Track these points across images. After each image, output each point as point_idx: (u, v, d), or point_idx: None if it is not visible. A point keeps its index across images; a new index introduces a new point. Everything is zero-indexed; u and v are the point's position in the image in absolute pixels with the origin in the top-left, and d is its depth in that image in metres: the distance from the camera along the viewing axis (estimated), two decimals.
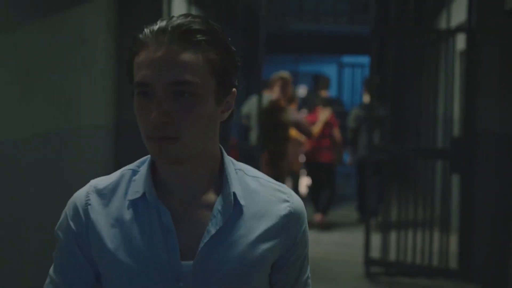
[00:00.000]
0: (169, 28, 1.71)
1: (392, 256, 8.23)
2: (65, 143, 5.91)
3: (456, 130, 8.82)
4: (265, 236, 1.83)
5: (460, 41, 8.56)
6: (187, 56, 1.70)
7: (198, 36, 1.72)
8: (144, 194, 1.79)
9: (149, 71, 1.70)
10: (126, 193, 1.83)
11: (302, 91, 16.53)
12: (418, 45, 8.41)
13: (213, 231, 1.77)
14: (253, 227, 1.82)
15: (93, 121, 6.43)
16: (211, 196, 1.82)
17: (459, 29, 8.25)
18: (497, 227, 7.69)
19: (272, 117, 8.98)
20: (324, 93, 12.01)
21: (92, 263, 1.82)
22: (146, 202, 1.79)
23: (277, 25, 13.34)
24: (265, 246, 1.83)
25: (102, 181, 1.86)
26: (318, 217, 10.43)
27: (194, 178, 1.81)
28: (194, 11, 8.62)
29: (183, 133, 1.70)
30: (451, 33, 8.30)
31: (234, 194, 1.81)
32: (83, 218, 1.81)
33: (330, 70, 22.71)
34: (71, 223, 1.83)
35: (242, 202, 1.82)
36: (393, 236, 8.42)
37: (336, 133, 10.50)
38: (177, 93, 1.69)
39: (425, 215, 8.35)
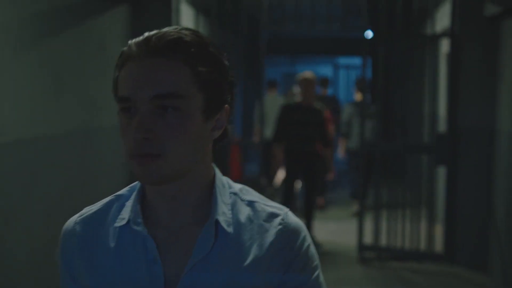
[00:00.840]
0: (153, 39, 1.58)
1: (383, 241, 8.66)
2: (90, 140, 6.48)
3: (441, 127, 9.19)
4: (255, 264, 1.68)
5: (444, 45, 8.91)
6: (171, 69, 1.57)
7: (185, 48, 1.59)
8: (129, 221, 1.68)
9: (131, 85, 1.57)
10: (114, 220, 1.71)
11: (296, 90, 17.06)
12: (406, 48, 8.77)
13: (195, 260, 1.64)
14: (242, 255, 1.67)
15: (113, 121, 6.91)
16: (200, 222, 1.68)
17: (444, 34, 8.65)
18: (478, 215, 8.14)
19: (290, 114, 8.97)
20: (324, 92, 13.10)
21: None
22: (131, 230, 1.67)
23: (275, 29, 13.64)
24: (255, 274, 1.68)
25: (92, 208, 1.76)
26: (320, 201, 11.23)
27: (182, 202, 1.67)
28: (201, 20, 9.17)
29: (166, 150, 1.56)
30: (436, 37, 8.81)
31: (218, 221, 1.66)
32: (71, 247, 1.73)
33: (325, 71, 22.88)
34: (62, 252, 1.75)
35: (229, 229, 1.67)
36: (384, 223, 8.81)
37: (330, 130, 11.01)
38: (160, 108, 1.56)
39: (413, 204, 8.76)
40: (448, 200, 8.49)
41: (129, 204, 1.70)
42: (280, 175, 13.48)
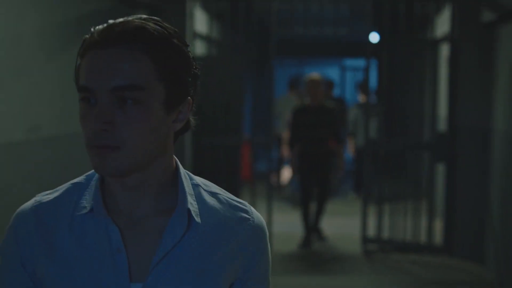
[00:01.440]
0: (115, 28, 1.53)
1: (386, 234, 8.93)
2: None
3: (441, 126, 9.42)
4: (222, 256, 1.65)
5: (444, 49, 9.20)
6: (132, 60, 1.52)
7: (147, 38, 1.53)
8: (91, 209, 1.61)
9: (91, 75, 1.53)
10: (74, 208, 1.64)
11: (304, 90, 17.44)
12: (409, 52, 9.04)
13: (165, 250, 1.59)
14: (209, 246, 1.64)
15: None
16: (164, 213, 1.63)
17: (444, 38, 8.96)
18: (475, 210, 8.43)
19: (301, 117, 9.03)
20: (329, 94, 13.61)
21: (37, 284, 1.65)
22: (94, 219, 1.61)
23: (284, 32, 13.79)
24: (222, 266, 1.65)
25: (47, 196, 1.68)
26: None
27: (143, 192, 1.62)
28: (214, 25, 9.56)
29: (125, 142, 1.52)
30: (436, 42, 9.14)
31: (189, 211, 1.62)
32: (27, 232, 1.63)
33: (332, 72, 22.88)
34: (16, 241, 1.64)
35: (197, 219, 1.63)
36: (386, 217, 9.04)
37: None
38: (120, 100, 1.52)
39: (414, 199, 9.04)
40: (447, 195, 8.76)
41: (88, 192, 1.64)
42: (286, 174, 13.86)
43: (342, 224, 10.40)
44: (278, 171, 13.37)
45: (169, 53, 1.55)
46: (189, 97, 1.60)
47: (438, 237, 9.03)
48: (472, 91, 8.43)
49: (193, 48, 8.69)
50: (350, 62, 23.36)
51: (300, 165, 9.08)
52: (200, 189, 1.68)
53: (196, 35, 8.93)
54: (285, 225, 10.18)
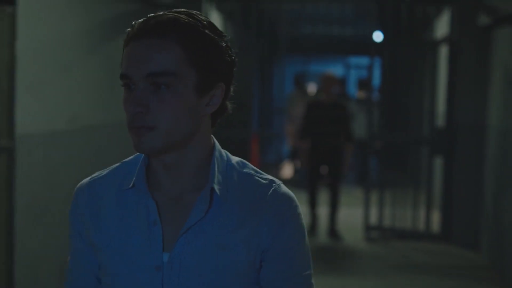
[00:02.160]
0: (150, 22, 1.65)
1: (387, 223, 9.27)
2: None
3: (439, 122, 9.70)
4: (247, 233, 1.71)
5: (444, 50, 9.48)
6: (164, 49, 1.63)
7: (178, 29, 1.64)
8: (134, 185, 1.74)
9: (129, 64, 1.65)
10: (121, 183, 1.77)
11: (311, 88, 17.61)
12: (410, 52, 9.36)
13: (189, 224, 1.69)
14: (234, 223, 1.71)
15: None
16: (198, 190, 1.72)
17: (443, 40, 9.29)
18: (471, 200, 8.71)
19: (314, 112, 9.15)
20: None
21: (93, 252, 1.80)
22: (136, 194, 1.74)
23: (291, 30, 13.87)
24: (245, 242, 1.71)
25: (101, 172, 1.83)
26: None
27: (181, 170, 1.72)
28: (229, 25, 9.96)
29: (159, 123, 1.63)
30: (436, 43, 9.43)
31: (213, 189, 1.70)
32: (81, 205, 1.79)
33: (337, 70, 22.47)
34: (73, 209, 1.81)
35: (223, 197, 1.71)
36: (388, 206, 9.36)
37: None
38: (154, 85, 1.63)
39: (414, 190, 9.36)
40: (445, 187, 9.05)
41: (134, 170, 1.75)
42: (288, 168, 14.26)
43: (346, 213, 10.47)
44: (291, 160, 13.71)
45: (199, 42, 1.64)
46: (222, 83, 1.70)
47: (436, 225, 9.31)
48: (469, 89, 8.69)
49: None
50: (354, 60, 23.52)
51: (310, 158, 9.18)
52: (233, 169, 1.75)
53: None
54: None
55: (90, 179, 1.82)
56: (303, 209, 9.85)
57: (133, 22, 1.68)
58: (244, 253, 1.71)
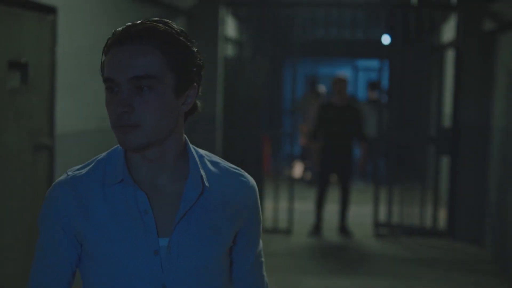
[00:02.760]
0: (131, 30, 1.77)
1: (395, 220, 9.46)
2: None
3: (446, 122, 9.89)
4: (229, 213, 1.90)
5: (450, 53, 9.67)
6: (146, 54, 1.75)
7: (157, 36, 1.77)
8: (121, 180, 1.83)
9: (113, 68, 1.75)
10: (103, 178, 1.86)
11: (321, 90, 17.74)
12: (418, 55, 9.53)
13: (184, 209, 1.83)
14: (218, 206, 1.89)
15: None
16: (179, 180, 1.87)
17: (449, 44, 9.47)
18: (476, 197, 8.88)
19: (326, 113, 9.20)
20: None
21: (76, 245, 1.86)
22: (123, 188, 1.84)
23: (302, 34, 13.98)
24: (230, 221, 1.91)
25: (78, 171, 1.90)
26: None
27: (161, 164, 1.85)
28: (244, 30, 10.20)
29: (143, 121, 1.75)
30: (443, 47, 9.63)
31: (201, 177, 1.87)
32: (66, 199, 1.85)
33: (345, 72, 22.32)
34: (56, 209, 1.85)
35: (207, 184, 1.87)
36: (396, 204, 9.53)
37: None
38: (138, 87, 1.74)
39: (421, 188, 9.47)
40: (450, 185, 9.20)
41: (115, 166, 1.86)
42: (298, 168, 14.47)
43: (355, 211, 10.67)
44: (301, 160, 13.92)
45: (176, 48, 1.79)
46: (194, 84, 1.85)
47: (442, 222, 9.50)
48: (474, 91, 8.86)
49: (223, 50, 9.46)
50: (362, 62, 23.55)
51: (322, 158, 9.26)
52: (204, 159, 1.93)
53: (227, 39, 9.65)
54: (304, 214, 10.57)
55: (68, 177, 1.89)
56: (311, 208, 10.21)
57: (113, 31, 1.81)
58: (229, 233, 1.92)
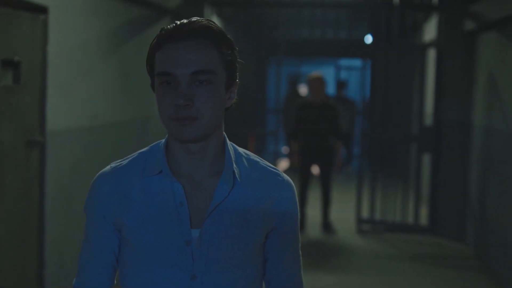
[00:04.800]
0: (186, 28, 1.82)
1: (378, 216, 9.55)
2: (145, 127, 7.67)
3: (427, 120, 9.93)
4: (261, 209, 1.94)
5: (431, 53, 9.76)
6: (203, 50, 1.82)
7: (212, 33, 1.84)
8: (160, 171, 1.90)
9: (171, 63, 1.80)
10: (143, 170, 1.93)
11: (303, 89, 17.83)
12: (400, 55, 9.61)
13: (216, 203, 1.88)
14: (251, 201, 1.93)
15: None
16: (216, 174, 1.92)
17: (431, 44, 9.58)
18: (457, 194, 8.96)
19: (304, 113, 9.15)
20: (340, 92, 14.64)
21: (116, 232, 1.95)
22: (161, 179, 1.90)
23: (288, 33, 13.99)
24: (261, 217, 1.94)
25: (120, 163, 1.98)
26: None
27: (202, 157, 1.91)
28: (229, 30, 10.26)
29: (202, 114, 1.81)
30: (424, 46, 9.68)
31: (233, 173, 1.92)
32: (108, 188, 1.94)
33: (328, 71, 23.04)
34: (98, 198, 1.95)
35: (242, 179, 1.93)
36: (379, 201, 9.64)
37: None
38: (197, 82, 1.81)
39: (403, 184, 9.62)
40: (432, 182, 9.30)
41: (155, 158, 1.93)
42: (283, 164, 14.52)
43: (338, 208, 10.62)
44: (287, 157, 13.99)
45: (227, 46, 1.88)
46: (237, 80, 1.95)
47: (424, 219, 9.60)
48: (455, 90, 8.93)
49: None
50: (344, 62, 23.61)
51: (301, 157, 9.22)
52: (242, 157, 1.98)
53: None
54: None
55: (111, 168, 1.97)
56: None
57: (163, 27, 1.86)
58: (261, 229, 1.95)
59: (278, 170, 2.03)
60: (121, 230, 1.93)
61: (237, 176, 1.92)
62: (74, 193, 5.80)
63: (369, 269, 7.76)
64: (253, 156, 2.02)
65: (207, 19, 1.88)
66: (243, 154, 2.00)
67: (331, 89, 21.64)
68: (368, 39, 12.12)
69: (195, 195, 1.90)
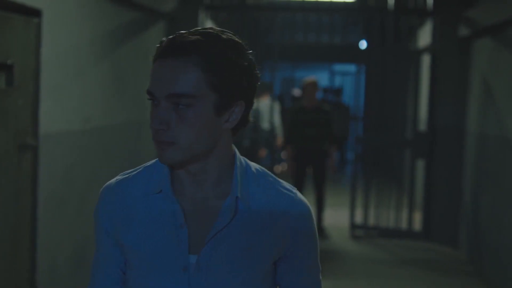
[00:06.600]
0: (176, 42, 1.69)
1: (372, 222, 9.58)
2: (139, 131, 7.66)
3: (421, 126, 9.92)
4: (269, 236, 1.80)
5: (426, 58, 9.79)
6: (186, 71, 1.68)
7: (201, 51, 1.68)
8: (161, 191, 1.80)
9: (153, 82, 1.71)
10: (147, 187, 1.84)
11: (297, 92, 17.89)
12: (395, 60, 9.66)
13: (217, 229, 1.76)
14: (257, 227, 1.79)
15: None
16: (222, 196, 1.79)
17: (425, 49, 9.63)
18: (451, 200, 9.01)
19: (298, 117, 9.20)
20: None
21: (119, 246, 1.86)
22: (163, 199, 1.80)
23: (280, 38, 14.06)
24: (268, 245, 1.80)
25: (127, 175, 1.89)
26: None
27: (204, 178, 1.79)
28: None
29: (178, 139, 1.69)
30: (419, 52, 9.76)
31: (237, 198, 1.78)
32: (111, 203, 1.86)
33: (322, 76, 23.23)
34: (102, 207, 1.88)
35: (247, 205, 1.79)
36: (372, 206, 9.64)
37: None
38: (175, 104, 1.68)
39: (397, 190, 9.68)
40: (426, 187, 9.34)
41: (159, 175, 1.83)
42: (278, 168, 14.55)
43: (332, 213, 10.68)
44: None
45: (221, 65, 1.69)
46: (241, 101, 1.76)
47: (417, 224, 9.60)
48: (449, 95, 8.98)
49: None
50: (339, 67, 23.75)
51: (295, 161, 9.28)
52: (253, 177, 1.84)
53: None
54: None
55: (117, 180, 1.89)
56: None
57: (163, 39, 1.75)
58: (267, 256, 1.81)
59: (293, 192, 1.88)
60: (123, 249, 1.87)
61: (243, 201, 1.80)
62: (66, 196, 5.79)
63: (363, 274, 7.77)
64: (267, 175, 1.89)
65: (211, 32, 1.74)
66: (256, 173, 1.87)
67: (328, 95, 21.64)
68: (363, 44, 12.14)
69: (197, 218, 1.80)
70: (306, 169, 9.36)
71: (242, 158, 1.86)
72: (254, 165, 1.88)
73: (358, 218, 9.75)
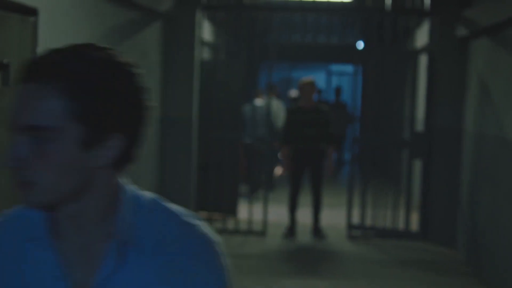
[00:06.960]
0: (38, 63, 1.44)
1: (369, 222, 9.59)
2: None
3: (419, 126, 9.99)
4: (167, 275, 1.54)
5: (423, 59, 9.80)
6: (45, 99, 1.41)
7: (64, 76, 1.42)
8: (37, 237, 1.55)
9: (13, 109, 1.44)
10: (22, 232, 1.58)
11: (294, 93, 17.90)
12: (392, 60, 9.67)
13: (102, 276, 1.52)
14: (150, 274, 1.53)
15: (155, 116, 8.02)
16: (106, 238, 1.53)
17: (423, 50, 9.65)
18: (448, 200, 9.02)
19: (295, 117, 9.19)
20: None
21: None
22: (38, 246, 1.55)
23: (280, 38, 14.02)
24: (165, 285, 1.53)
25: (4, 216, 1.65)
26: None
27: (83, 219, 1.52)
28: (220, 34, 10.27)
29: (39, 179, 1.43)
30: (416, 52, 9.76)
31: (128, 237, 1.53)
32: None
33: (319, 76, 23.20)
34: None
35: (141, 242, 1.54)
36: (369, 207, 9.63)
37: None
38: (33, 137, 1.42)
39: (394, 190, 9.72)
40: (423, 187, 9.35)
41: (36, 218, 1.57)
42: (278, 170, 14.55)
43: (329, 214, 10.68)
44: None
45: (88, 93, 1.43)
46: (118, 133, 1.47)
47: (415, 225, 9.59)
48: (446, 96, 9.01)
49: (200, 54, 9.54)
50: (335, 67, 23.76)
51: (293, 162, 9.26)
52: (146, 212, 1.58)
53: (203, 43, 9.75)
54: (280, 215, 10.62)
55: None
56: (284, 212, 10.24)
57: (29, 58, 1.58)
58: None
59: (196, 222, 1.61)
60: None
61: (131, 241, 1.54)
62: None
63: (360, 274, 7.79)
64: (165, 206, 1.61)
65: (73, 50, 1.46)
66: (149, 206, 1.59)
67: (328, 95, 21.67)
68: (360, 44, 12.15)
69: (81, 265, 1.54)
70: (304, 170, 9.35)
71: (135, 190, 1.60)
72: (148, 197, 1.61)
73: (355, 219, 9.76)
